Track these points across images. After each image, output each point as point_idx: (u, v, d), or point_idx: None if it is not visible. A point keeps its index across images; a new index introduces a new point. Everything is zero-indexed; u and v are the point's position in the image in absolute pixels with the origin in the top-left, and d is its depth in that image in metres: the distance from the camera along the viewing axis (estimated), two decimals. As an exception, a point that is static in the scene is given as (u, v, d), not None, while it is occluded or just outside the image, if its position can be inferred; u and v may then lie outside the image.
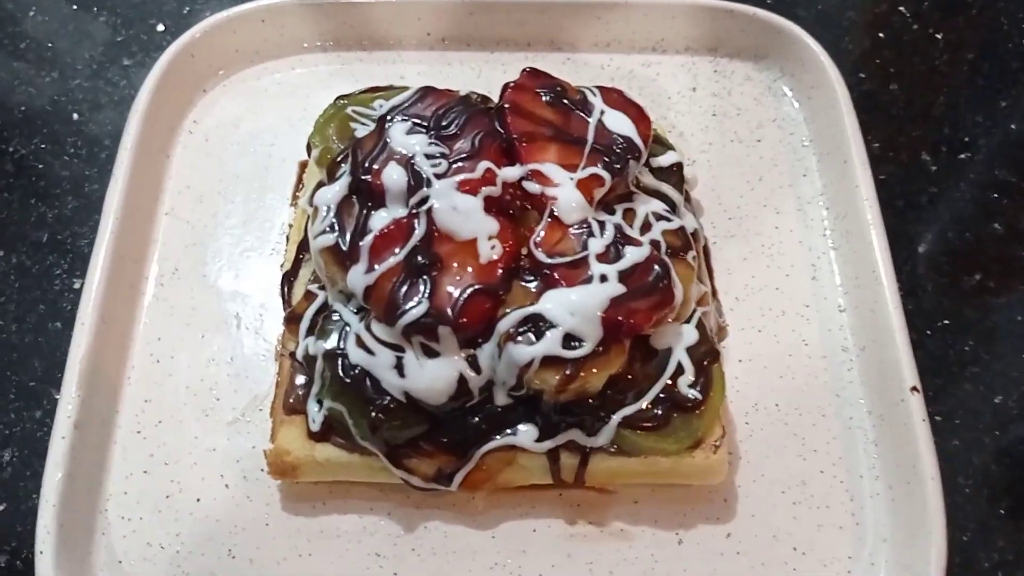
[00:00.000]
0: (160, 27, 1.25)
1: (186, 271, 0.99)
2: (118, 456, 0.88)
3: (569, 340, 0.78)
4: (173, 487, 0.87)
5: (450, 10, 1.14)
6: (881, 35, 1.26)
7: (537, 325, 0.79)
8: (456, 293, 0.79)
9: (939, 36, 1.26)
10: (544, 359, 0.77)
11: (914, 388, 0.87)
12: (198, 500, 0.86)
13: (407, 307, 0.79)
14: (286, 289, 0.93)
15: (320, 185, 0.92)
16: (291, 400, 0.86)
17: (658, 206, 0.91)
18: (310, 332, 0.86)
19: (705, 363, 0.84)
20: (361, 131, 0.93)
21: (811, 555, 0.85)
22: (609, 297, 0.79)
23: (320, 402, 0.84)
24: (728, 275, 1.00)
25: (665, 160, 0.96)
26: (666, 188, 0.94)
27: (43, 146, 1.14)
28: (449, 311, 0.78)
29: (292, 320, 0.89)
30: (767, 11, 1.13)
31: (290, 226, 1.01)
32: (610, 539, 0.86)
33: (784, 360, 0.95)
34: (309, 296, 0.89)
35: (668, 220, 0.91)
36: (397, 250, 0.81)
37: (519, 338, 0.78)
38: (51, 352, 0.97)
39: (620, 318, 0.79)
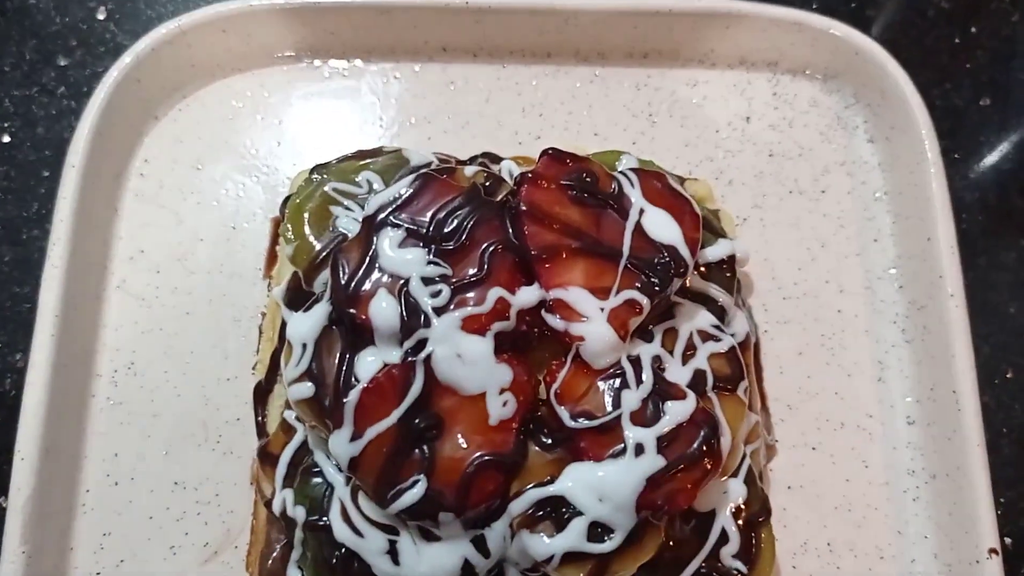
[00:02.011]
0: (100, 14, 1.03)
1: (143, 366, 0.85)
2: (76, 607, 0.78)
3: (596, 529, 0.65)
4: (142, 644, 0.77)
5: (452, 16, 0.92)
6: (973, 30, 1.04)
7: (558, 509, 0.66)
8: (461, 467, 0.66)
9: (1046, 30, 1.04)
10: (566, 554, 0.65)
11: (993, 550, 0.75)
12: (170, 660, 0.77)
13: (402, 488, 0.65)
14: (259, 409, 0.79)
15: (296, 282, 0.76)
16: (269, 563, 0.74)
17: (704, 320, 0.76)
18: (288, 481, 0.73)
19: (753, 527, 0.72)
20: (344, 220, 0.76)
21: None
22: (645, 475, 0.66)
23: (301, 570, 0.72)
24: (780, 375, 0.86)
25: (714, 253, 0.79)
26: (714, 291, 0.78)
27: (-32, 178, 0.96)
28: (451, 495, 0.65)
29: (266, 459, 0.75)
30: (843, 24, 0.92)
31: (263, 315, 0.85)
32: None
33: (840, 487, 0.82)
34: (286, 429, 0.75)
35: (715, 340, 0.75)
36: (389, 409, 0.66)
37: (537, 526, 0.66)
38: (-6, 454, 0.84)
39: (659, 501, 0.66)
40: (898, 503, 0.82)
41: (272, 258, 0.88)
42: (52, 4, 1.03)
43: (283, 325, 0.77)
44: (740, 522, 0.72)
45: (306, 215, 0.77)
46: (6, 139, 0.97)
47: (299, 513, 0.70)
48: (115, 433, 0.83)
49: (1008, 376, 0.90)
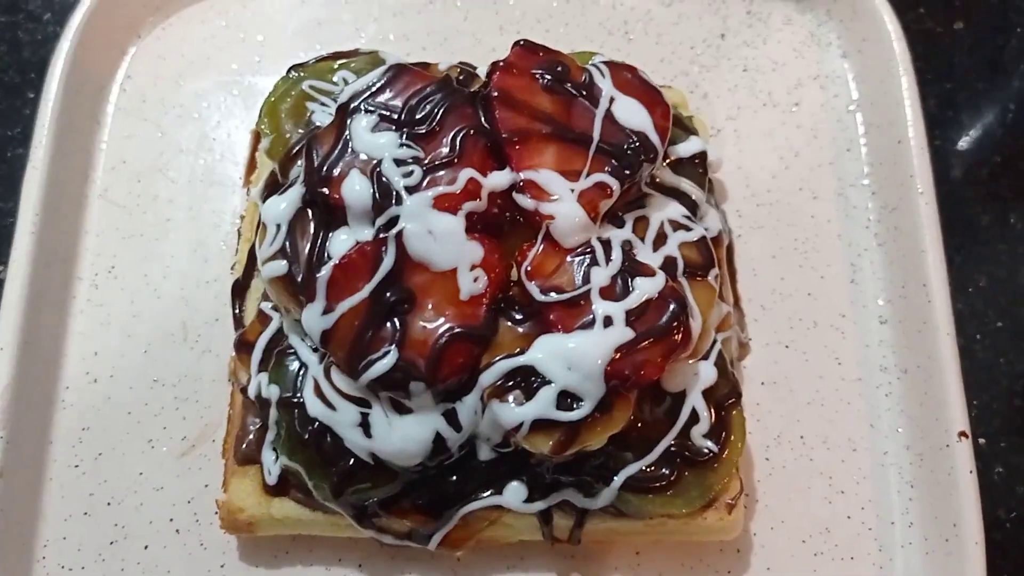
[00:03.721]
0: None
1: (124, 269, 0.86)
2: (54, 495, 0.78)
3: (565, 398, 0.66)
4: (117, 532, 0.77)
5: (431, -67, 0.94)
6: (947, -42, 1.06)
7: (528, 379, 0.66)
8: (432, 339, 0.66)
9: (1017, -41, 1.06)
10: (536, 422, 0.65)
11: (963, 433, 0.76)
12: (146, 547, 0.77)
13: (373, 358, 0.66)
14: (237, 304, 0.80)
15: (274, 179, 0.77)
16: (244, 446, 0.75)
17: (675, 211, 0.77)
18: (263, 366, 0.74)
19: (724, 407, 0.73)
20: (319, 115, 0.77)
21: (832, 613, 0.77)
22: (614, 345, 0.66)
23: (276, 451, 0.72)
24: (754, 277, 0.87)
25: (686, 149, 0.80)
26: (686, 184, 0.79)
27: (-45, 99, 0.97)
28: (423, 363, 0.66)
29: (243, 347, 0.76)
30: (815, -61, 0.94)
31: (241, 217, 0.86)
32: (608, 595, 0.77)
33: (813, 383, 0.83)
34: (262, 318, 0.76)
35: (687, 229, 0.76)
36: (361, 284, 0.67)
37: (507, 395, 0.66)
38: (-23, 359, 0.85)
39: (627, 371, 0.66)
40: (871, 398, 0.82)
41: (251, 167, 0.89)
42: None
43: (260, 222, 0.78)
44: (711, 405, 0.73)
45: (283, 110, 0.78)
46: (-9, 62, 0.99)
47: (273, 392, 0.71)
48: (95, 333, 0.83)
49: (980, 284, 0.91)
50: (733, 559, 0.78)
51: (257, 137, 0.90)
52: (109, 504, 0.78)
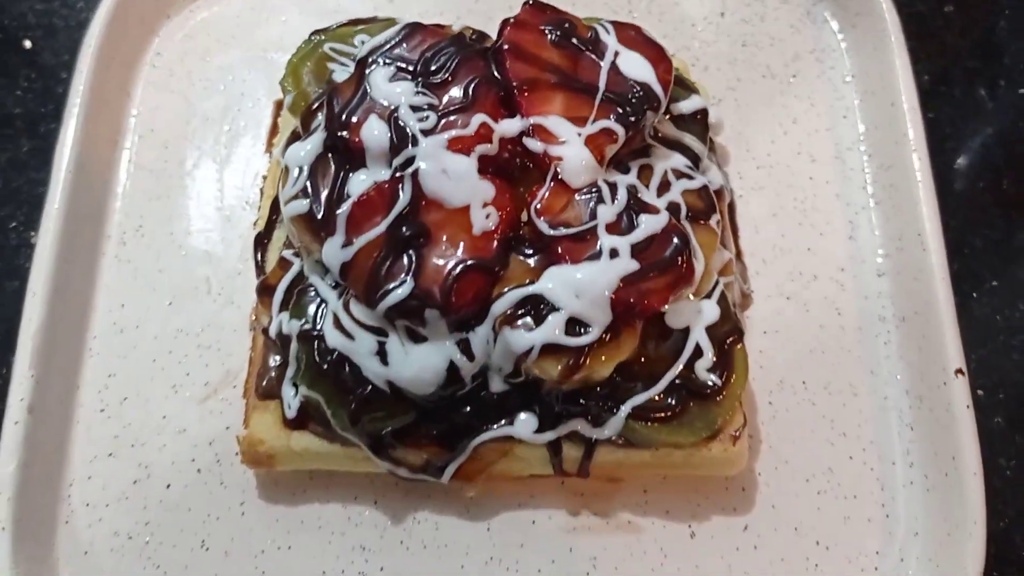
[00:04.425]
0: (121, -62, 1.10)
1: (151, 228, 0.90)
2: (80, 437, 0.81)
3: (574, 325, 0.69)
4: (141, 471, 0.80)
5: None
6: (936, -54, 1.11)
7: (537, 307, 0.69)
8: (446, 270, 0.69)
9: (1003, -53, 1.11)
10: (545, 347, 0.68)
11: (959, 371, 0.78)
12: (168, 486, 0.80)
13: (389, 287, 0.69)
14: (259, 254, 0.83)
15: (296, 137, 0.81)
16: (264, 383, 0.77)
17: (678, 161, 0.80)
18: (284, 306, 0.77)
19: (727, 344, 0.75)
20: (339, 74, 0.82)
21: (835, 550, 0.78)
22: (620, 275, 0.69)
23: (296, 386, 0.75)
24: (755, 233, 0.90)
25: (688, 106, 0.84)
26: (688, 139, 0.83)
27: (-7, 79, 1.03)
28: (437, 291, 0.69)
29: (265, 291, 0.79)
30: (809, -78, 0.99)
31: (264, 178, 0.91)
32: (616, 531, 0.79)
33: (814, 332, 0.86)
34: (284, 264, 0.80)
35: (689, 178, 0.79)
36: (378, 220, 0.71)
37: (517, 322, 0.69)
38: (7, 315, 0.88)
39: (632, 299, 0.69)
40: (870, 346, 0.85)
41: (273, 133, 0.94)
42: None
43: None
44: (714, 342, 0.75)
45: (305, 70, 0.83)
46: (28, 44, 1.04)
47: (294, 326, 0.74)
48: (122, 286, 0.87)
49: (976, 245, 0.94)
50: (739, 497, 0.80)
51: (279, 107, 0.95)
52: (133, 446, 0.81)
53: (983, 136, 1.00)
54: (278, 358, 0.78)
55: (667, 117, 0.82)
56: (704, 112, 0.84)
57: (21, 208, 0.95)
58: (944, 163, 0.97)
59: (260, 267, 0.83)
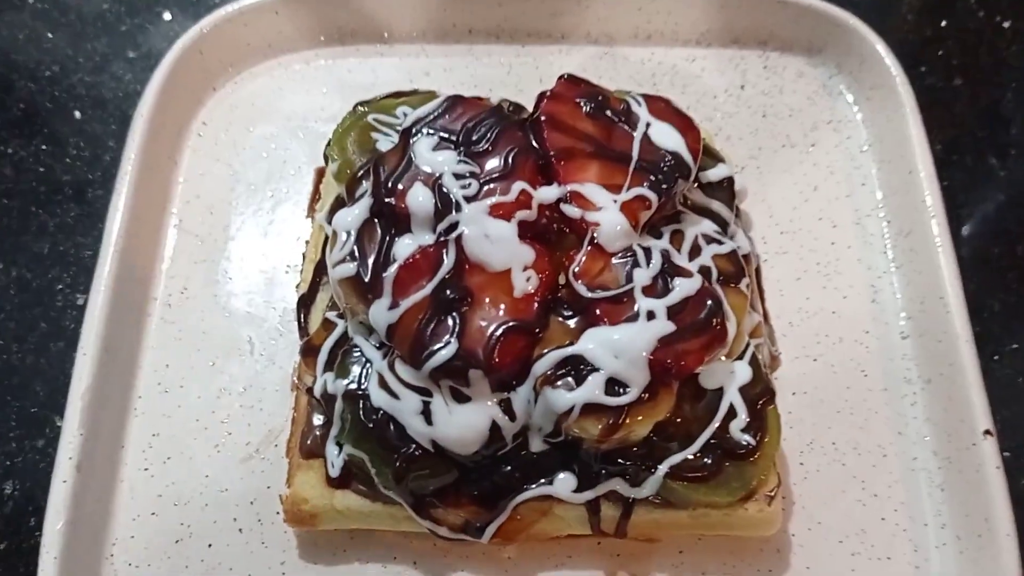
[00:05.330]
0: (167, 15, 1.16)
1: (196, 290, 0.93)
2: (124, 497, 0.83)
3: (613, 385, 0.71)
4: (183, 531, 0.81)
5: (478, 3, 1.04)
6: (944, 23, 1.16)
7: (578, 368, 0.72)
8: (489, 331, 0.72)
9: (1007, 25, 1.16)
10: (585, 406, 0.70)
11: (987, 431, 0.80)
12: (210, 545, 0.81)
13: (435, 348, 0.72)
14: (302, 315, 0.86)
15: (339, 203, 0.84)
16: (308, 442, 0.79)
17: (708, 227, 0.84)
18: (328, 366, 0.80)
19: (759, 405, 0.77)
20: (383, 143, 0.85)
21: (871, 612, 0.79)
22: (657, 337, 0.72)
23: (340, 445, 0.77)
24: (780, 297, 0.92)
25: (715, 174, 0.87)
26: (716, 205, 0.86)
27: (43, 147, 1.06)
28: (481, 352, 0.71)
29: (309, 352, 0.82)
30: (821, 0, 1.04)
31: (306, 242, 0.94)
32: (653, 592, 0.80)
33: (842, 393, 0.87)
34: (327, 325, 0.82)
35: (719, 243, 0.83)
36: (424, 283, 0.74)
37: (558, 382, 0.71)
38: (54, 376, 0.91)
39: (669, 360, 0.72)
40: (897, 407, 0.87)
41: (315, 199, 0.97)
42: (122, 7, 1.17)
43: (325, 241, 0.85)
44: (747, 402, 0.77)
45: (350, 139, 0.86)
46: (77, 115, 1.09)
47: (339, 386, 0.76)
48: (167, 347, 0.89)
49: (995, 310, 0.96)
50: (773, 558, 0.80)
51: (320, 174, 0.98)
52: (176, 505, 0.82)
53: (996, 203, 1.03)
54: (321, 418, 0.80)
55: (695, 185, 0.86)
56: (730, 180, 0.88)
57: (68, 271, 0.98)
58: (959, 229, 1.00)
59: (303, 328, 0.85)
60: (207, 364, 0.89)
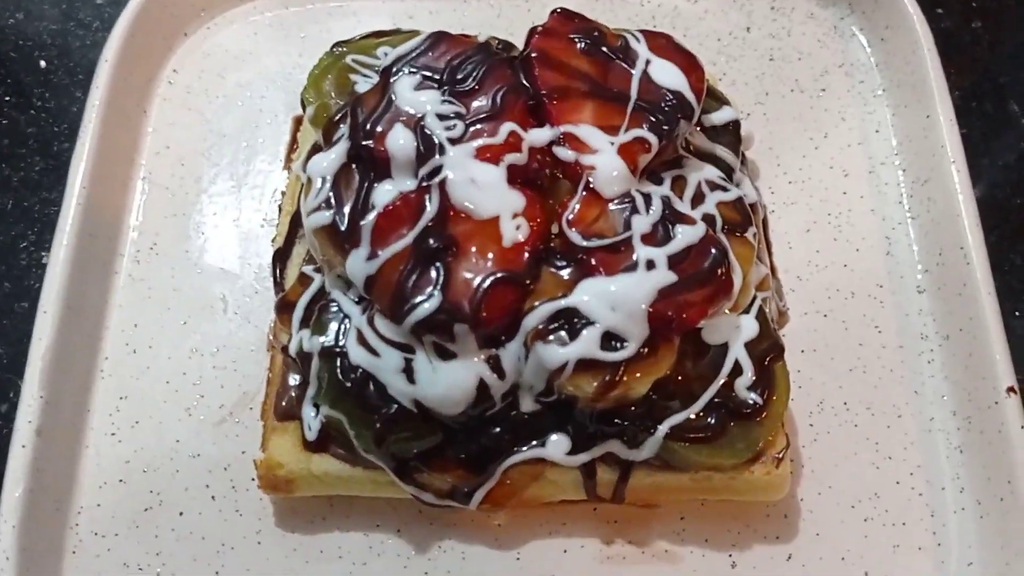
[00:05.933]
0: (138, -40, 1.09)
1: (166, 246, 0.87)
2: (90, 463, 0.78)
3: (609, 340, 0.66)
4: (152, 499, 0.76)
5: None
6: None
7: (571, 321, 0.66)
8: (475, 283, 0.66)
9: (1029, -37, 1.09)
10: (580, 362, 0.65)
11: (1011, 389, 0.75)
12: (181, 514, 0.76)
13: (416, 301, 0.66)
14: (278, 270, 0.81)
15: (316, 150, 0.78)
16: (283, 404, 0.74)
17: (712, 173, 0.78)
18: (305, 323, 0.74)
19: (767, 361, 0.72)
20: (362, 85, 0.79)
21: (885, 580, 0.74)
22: (657, 287, 0.67)
23: (317, 407, 0.72)
24: (789, 250, 0.87)
25: (719, 117, 0.81)
26: (720, 150, 0.80)
27: (7, 98, 1.01)
28: (466, 305, 0.66)
29: (284, 308, 0.76)
30: (836, -65, 0.97)
31: (283, 194, 0.88)
32: (653, 561, 0.75)
33: (854, 350, 0.82)
34: (304, 280, 0.77)
35: (724, 190, 0.77)
36: (404, 231, 0.68)
37: (550, 337, 0.66)
38: (17, 338, 0.85)
39: (670, 313, 0.66)
40: (913, 365, 0.81)
41: (292, 150, 0.91)
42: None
43: (302, 191, 0.79)
44: (753, 359, 0.72)
45: (327, 81, 0.81)
46: (43, 64, 1.03)
47: (315, 343, 0.71)
48: (135, 306, 0.84)
49: (1016, 263, 0.91)
50: (781, 524, 0.76)
51: (298, 123, 0.92)
52: (145, 471, 0.78)
53: (1017, 151, 0.98)
54: (298, 378, 0.75)
55: (698, 128, 0.80)
56: (736, 123, 0.82)
57: (32, 228, 0.93)
58: (979, 178, 0.94)
59: (279, 284, 0.80)
60: (178, 323, 0.83)
